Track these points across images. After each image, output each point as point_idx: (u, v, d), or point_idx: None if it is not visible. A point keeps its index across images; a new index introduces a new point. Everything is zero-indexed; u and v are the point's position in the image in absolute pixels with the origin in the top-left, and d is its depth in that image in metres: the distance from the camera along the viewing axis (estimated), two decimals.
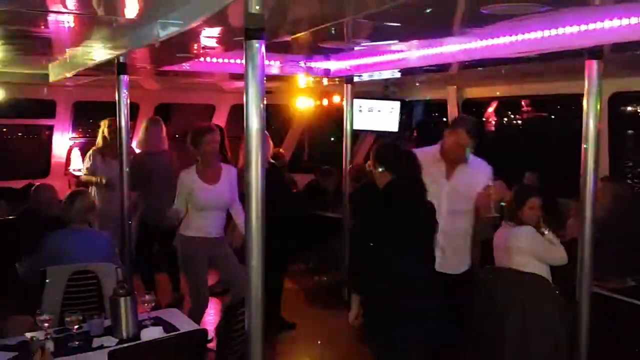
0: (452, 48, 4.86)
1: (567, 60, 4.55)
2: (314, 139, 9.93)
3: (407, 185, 3.51)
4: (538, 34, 4.12)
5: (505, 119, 9.37)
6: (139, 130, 6.94)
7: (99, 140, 6.57)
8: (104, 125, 6.51)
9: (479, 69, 5.68)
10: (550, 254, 3.99)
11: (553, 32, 4.00)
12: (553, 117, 8.40)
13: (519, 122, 9.21)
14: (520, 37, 4.21)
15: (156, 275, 6.40)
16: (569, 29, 3.92)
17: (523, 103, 8.67)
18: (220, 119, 8.84)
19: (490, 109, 8.91)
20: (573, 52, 4.01)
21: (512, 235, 4.06)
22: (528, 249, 3.97)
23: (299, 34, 3.61)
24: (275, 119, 9.15)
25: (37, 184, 5.60)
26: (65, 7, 4.00)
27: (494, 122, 9.18)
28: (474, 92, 7.63)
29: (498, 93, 7.58)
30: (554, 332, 3.89)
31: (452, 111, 7.72)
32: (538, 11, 3.38)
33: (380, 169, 3.52)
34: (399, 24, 3.98)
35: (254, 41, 3.06)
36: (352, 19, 3.59)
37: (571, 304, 4.03)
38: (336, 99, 8.48)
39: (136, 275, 5.63)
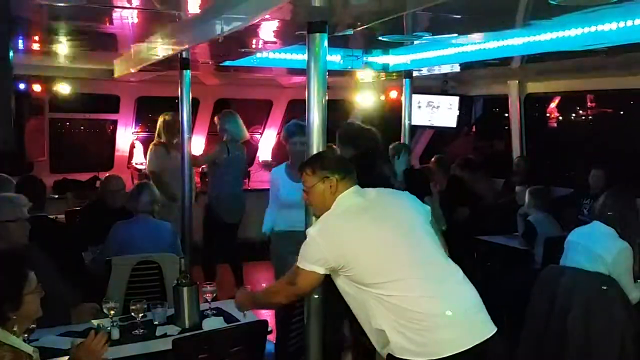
0: (515, 41, 4.74)
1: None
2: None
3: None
4: (606, 26, 3.98)
5: (569, 115, 9.10)
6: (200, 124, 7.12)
7: (162, 136, 6.68)
8: (161, 120, 6.60)
9: (541, 63, 5.53)
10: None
11: (625, 23, 3.85)
12: (622, 112, 8.11)
13: (584, 117, 8.93)
14: (589, 29, 4.07)
15: (217, 267, 6.47)
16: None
17: (588, 98, 8.39)
18: (277, 114, 8.91)
19: (553, 105, 8.68)
20: None
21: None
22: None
23: (360, 28, 3.59)
24: (331, 115, 9.11)
25: (106, 175, 5.75)
26: (129, 2, 4.10)
27: (556, 118, 8.94)
28: (536, 86, 7.43)
29: (562, 88, 7.36)
30: (620, 332, 3.76)
31: (514, 107, 7.55)
32: (610, 2, 3.26)
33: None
34: (460, 16, 3.91)
35: (317, 34, 3.07)
36: (414, 11, 3.54)
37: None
38: (393, 94, 8.41)
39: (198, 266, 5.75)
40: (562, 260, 4.07)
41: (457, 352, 2.49)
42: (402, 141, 6.63)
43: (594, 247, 3.86)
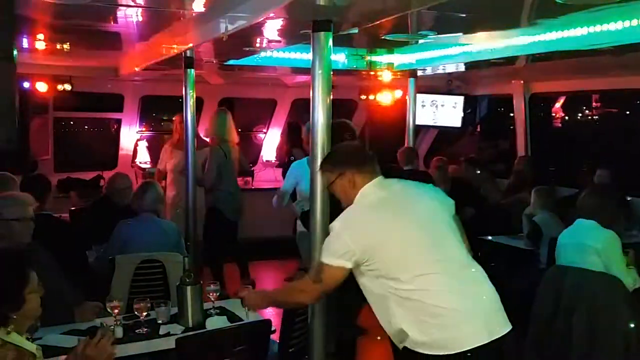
0: (520, 40, 4.72)
1: None
2: (375, 134, 9.86)
3: None
4: (612, 26, 3.96)
5: (574, 115, 9.07)
6: (205, 123, 7.11)
7: (175, 135, 6.78)
8: (177, 121, 6.68)
9: (547, 62, 5.51)
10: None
11: (631, 23, 3.83)
12: (627, 112, 8.08)
13: (589, 117, 8.90)
14: (594, 28, 4.05)
15: (224, 265, 6.47)
16: None
17: (593, 98, 8.36)
18: (281, 113, 8.90)
19: (558, 104, 8.65)
20: None
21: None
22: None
23: (365, 26, 3.58)
24: (335, 114, 9.09)
25: (112, 173, 5.75)
26: (134, 1, 4.10)
27: (561, 118, 8.91)
28: (541, 86, 7.41)
29: (567, 88, 7.34)
30: (625, 332, 3.74)
31: (518, 106, 7.53)
32: (615, 1, 3.24)
33: None
34: (465, 15, 3.90)
35: (322, 33, 3.06)
36: (419, 10, 3.53)
37: None
38: (398, 93, 8.40)
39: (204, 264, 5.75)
40: (557, 263, 4.08)
41: (475, 346, 2.51)
42: (406, 140, 6.65)
43: (583, 240, 3.92)
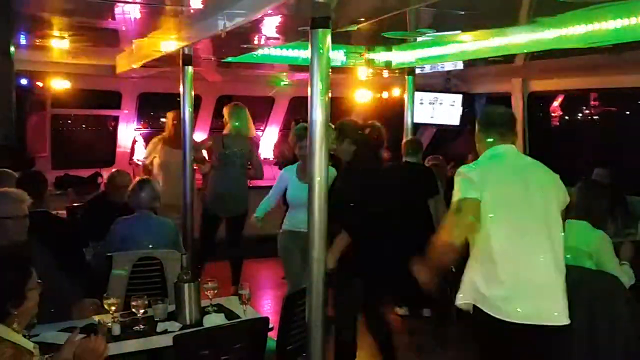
0: (519, 38, 4.72)
1: None
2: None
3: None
4: (611, 24, 3.95)
5: (573, 113, 9.07)
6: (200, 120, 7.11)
7: (166, 132, 6.73)
8: (170, 118, 6.63)
9: (545, 60, 5.50)
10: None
11: (629, 21, 3.82)
12: (626, 111, 8.08)
13: (588, 116, 8.90)
14: (593, 26, 4.04)
15: (215, 264, 6.43)
16: None
17: (591, 97, 8.37)
18: (279, 111, 8.89)
19: (556, 103, 8.64)
20: None
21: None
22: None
23: (363, 24, 3.58)
24: (333, 112, 9.08)
25: (114, 169, 5.72)
26: None
27: (559, 116, 8.90)
28: (540, 84, 7.41)
29: (565, 86, 7.33)
30: (624, 332, 3.74)
31: (517, 104, 7.52)
32: None
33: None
34: (463, 12, 3.89)
35: (320, 30, 3.05)
36: (417, 7, 3.53)
37: None
38: (396, 91, 8.39)
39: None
40: None
41: (530, 323, 2.85)
42: (404, 138, 6.60)
43: (574, 244, 3.88)
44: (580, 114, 9.07)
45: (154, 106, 8.99)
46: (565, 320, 2.93)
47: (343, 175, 4.43)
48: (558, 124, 9.08)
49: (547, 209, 3.00)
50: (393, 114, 7.82)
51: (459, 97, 7.91)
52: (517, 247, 2.93)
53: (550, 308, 2.92)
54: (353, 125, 4.60)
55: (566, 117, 8.95)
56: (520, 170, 3.09)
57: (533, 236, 2.96)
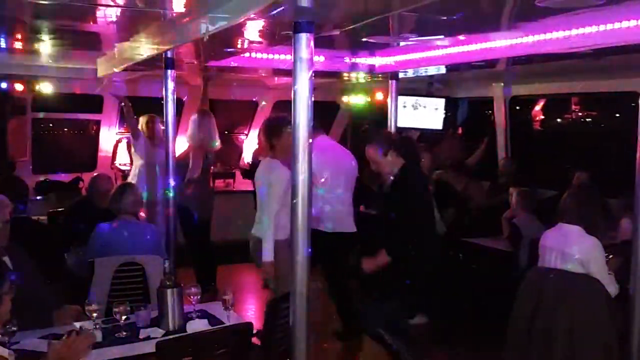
0: (500, 43, 4.75)
1: (624, 57, 4.41)
2: (356, 136, 9.88)
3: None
4: (593, 29, 3.99)
5: (554, 118, 9.15)
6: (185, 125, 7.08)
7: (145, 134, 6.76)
8: (143, 122, 6.68)
9: (527, 65, 5.54)
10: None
11: (609, 26, 3.87)
12: (606, 115, 8.18)
13: (568, 120, 8.99)
14: (574, 31, 4.08)
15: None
16: (625, 24, 3.79)
17: (572, 101, 8.45)
18: (263, 115, 8.87)
19: (538, 107, 8.72)
20: (631, 47, 3.87)
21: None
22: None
23: (346, 28, 3.58)
24: (317, 116, 9.08)
25: (96, 174, 5.69)
26: (113, 1, 4.05)
27: (541, 121, 8.98)
28: (521, 89, 7.47)
29: (547, 90, 7.41)
30: (604, 332, 3.77)
31: (499, 109, 7.58)
32: (596, 5, 3.27)
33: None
34: (446, 17, 3.91)
35: (303, 34, 3.04)
36: (400, 12, 3.54)
37: (622, 303, 3.89)
38: (379, 95, 8.41)
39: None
40: (539, 264, 4.10)
41: None
42: None
43: (567, 249, 3.90)
44: (561, 118, 9.16)
45: (136, 110, 8.91)
46: None
47: (416, 196, 4.42)
48: (540, 127, 9.15)
49: None
50: (377, 118, 7.84)
51: (442, 102, 7.95)
52: None
53: None
54: (393, 136, 4.62)
55: (548, 121, 9.03)
56: None
57: None
